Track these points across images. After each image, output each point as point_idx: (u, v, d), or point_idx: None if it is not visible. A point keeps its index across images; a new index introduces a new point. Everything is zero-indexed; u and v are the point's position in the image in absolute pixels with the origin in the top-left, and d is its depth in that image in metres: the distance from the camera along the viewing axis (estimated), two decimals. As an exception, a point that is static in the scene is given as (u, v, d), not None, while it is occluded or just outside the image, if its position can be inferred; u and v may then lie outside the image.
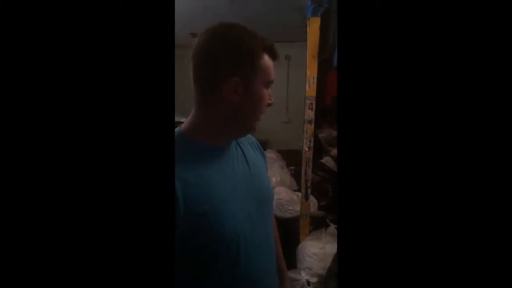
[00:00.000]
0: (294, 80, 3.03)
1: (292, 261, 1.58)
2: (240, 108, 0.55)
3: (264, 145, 3.05)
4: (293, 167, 2.41)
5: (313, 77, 1.47)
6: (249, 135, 0.72)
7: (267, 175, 0.71)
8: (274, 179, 2.11)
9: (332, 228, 1.64)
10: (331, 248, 1.45)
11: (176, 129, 0.60)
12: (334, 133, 2.68)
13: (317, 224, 1.76)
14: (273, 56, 0.58)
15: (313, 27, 1.44)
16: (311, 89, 1.49)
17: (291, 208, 1.81)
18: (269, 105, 0.59)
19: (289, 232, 1.78)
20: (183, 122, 0.61)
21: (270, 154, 2.57)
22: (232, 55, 0.53)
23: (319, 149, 2.54)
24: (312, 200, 1.81)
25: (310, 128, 1.53)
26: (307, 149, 1.54)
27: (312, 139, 1.54)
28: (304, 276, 1.34)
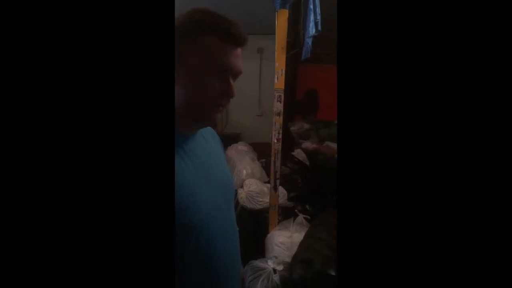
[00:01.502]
0: (267, 73, 3.04)
1: (261, 251, 1.61)
2: (183, 97, 0.53)
3: (237, 138, 3.05)
4: (264, 160, 2.44)
5: (282, 69, 1.49)
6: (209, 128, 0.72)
7: (226, 165, 0.71)
8: (244, 172, 2.13)
9: (301, 218, 1.69)
10: (298, 237, 1.49)
11: None
12: (306, 126, 2.74)
13: (287, 215, 1.80)
14: (228, 38, 0.51)
15: (282, 19, 1.45)
16: (279, 82, 1.50)
17: (261, 199, 1.83)
18: (226, 96, 0.54)
19: (259, 223, 1.81)
20: None
21: (241, 146, 2.58)
22: (178, 39, 0.51)
23: (290, 142, 2.58)
24: (282, 191, 1.85)
25: (278, 120, 1.54)
26: (276, 141, 1.56)
27: (281, 131, 1.56)
28: (270, 264, 1.37)
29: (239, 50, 0.54)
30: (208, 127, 0.71)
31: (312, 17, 1.46)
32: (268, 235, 1.62)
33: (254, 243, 1.69)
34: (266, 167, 2.42)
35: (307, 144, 2.38)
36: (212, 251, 0.56)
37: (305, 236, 1.44)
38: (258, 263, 1.40)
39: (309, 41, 1.54)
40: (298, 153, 2.32)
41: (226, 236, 0.60)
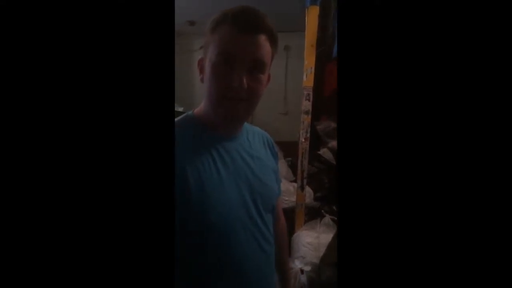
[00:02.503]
0: (293, 71, 3.00)
1: (288, 250, 1.60)
2: (205, 91, 0.54)
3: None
4: (290, 158, 2.42)
5: (311, 67, 1.46)
6: (262, 131, 0.71)
7: (273, 174, 0.66)
8: (271, 170, 2.12)
9: (327, 218, 1.66)
10: (326, 238, 1.46)
11: (190, 112, 0.60)
12: (333, 124, 2.68)
13: (313, 215, 1.77)
14: (237, 26, 0.49)
15: (312, 15, 1.43)
16: (308, 80, 1.48)
17: (287, 198, 1.82)
18: (234, 87, 0.50)
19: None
20: (180, 112, 0.61)
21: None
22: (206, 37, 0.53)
23: (316, 141, 2.54)
24: (308, 191, 1.83)
25: (307, 119, 1.52)
26: (303, 140, 1.54)
27: (309, 130, 1.54)
28: (298, 264, 1.36)
29: (253, 36, 0.50)
30: (262, 133, 0.70)
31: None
32: (295, 235, 1.61)
33: (279, 242, 1.68)
34: (291, 166, 2.40)
35: (334, 144, 2.33)
36: (236, 255, 0.54)
37: (333, 238, 1.41)
38: (285, 262, 1.40)
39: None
40: (325, 152, 2.27)
41: (253, 243, 0.56)
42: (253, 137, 0.66)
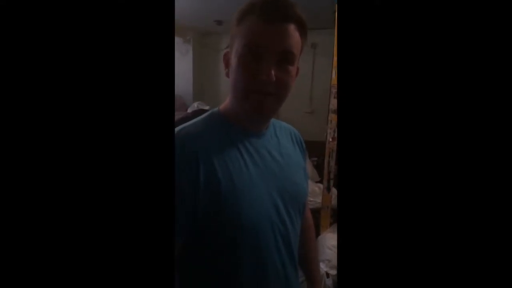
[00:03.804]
0: (320, 69, 2.94)
1: (317, 251, 1.57)
2: (231, 81, 0.52)
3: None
4: (316, 158, 2.38)
5: (340, 65, 1.42)
6: (291, 127, 0.69)
7: (302, 172, 0.64)
8: (296, 170, 2.09)
9: (354, 221, 1.61)
10: (353, 241, 1.42)
11: (215, 109, 0.59)
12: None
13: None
14: (264, 16, 0.47)
15: (342, 12, 1.38)
16: (337, 77, 1.43)
17: (312, 199, 1.79)
18: (261, 80, 0.47)
19: (310, 223, 1.76)
20: (206, 110, 0.61)
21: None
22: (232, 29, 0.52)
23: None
24: (335, 192, 1.78)
25: (334, 118, 1.48)
26: (331, 140, 1.50)
27: (337, 130, 1.49)
28: (323, 268, 1.32)
29: (282, 26, 0.48)
30: (291, 129, 0.68)
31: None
32: (320, 237, 1.57)
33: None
34: (317, 166, 2.35)
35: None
36: (265, 255, 0.53)
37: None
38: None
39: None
40: (352, 153, 2.21)
41: (281, 240, 0.54)
42: (281, 133, 0.63)
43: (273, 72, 0.48)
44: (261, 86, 0.48)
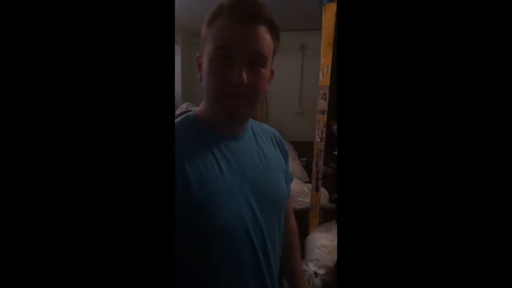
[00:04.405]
0: (309, 70, 2.97)
1: (300, 252, 1.58)
2: (204, 87, 0.52)
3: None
4: (305, 159, 2.39)
5: (328, 66, 1.43)
6: (271, 128, 0.68)
7: (282, 174, 0.64)
8: (285, 170, 2.10)
9: (343, 221, 1.62)
10: (341, 240, 1.43)
11: (191, 112, 0.58)
12: (349, 125, 2.63)
13: (328, 216, 1.74)
14: (233, 17, 0.46)
15: (329, 13, 1.39)
16: (324, 79, 1.45)
17: (301, 199, 1.80)
18: (232, 82, 0.47)
19: (299, 224, 1.77)
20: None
21: (287, 147, 2.56)
22: (204, 30, 0.51)
23: (332, 141, 2.50)
24: (323, 192, 1.79)
25: (322, 118, 1.49)
26: (319, 140, 1.51)
27: (325, 130, 1.51)
28: (311, 267, 1.33)
29: (252, 27, 0.47)
30: (271, 131, 0.68)
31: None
32: (309, 237, 1.59)
33: (293, 243, 1.66)
34: (306, 166, 2.37)
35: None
36: (242, 259, 0.52)
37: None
38: (298, 264, 1.38)
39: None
40: (341, 153, 2.23)
41: (257, 243, 0.54)
42: (260, 135, 0.63)
43: (244, 75, 0.47)
44: (233, 89, 0.48)
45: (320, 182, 1.57)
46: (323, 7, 1.41)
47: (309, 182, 1.97)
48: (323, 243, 1.48)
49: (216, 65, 0.48)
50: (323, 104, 1.48)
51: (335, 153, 2.25)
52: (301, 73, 3.05)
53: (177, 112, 2.64)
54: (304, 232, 1.66)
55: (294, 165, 2.20)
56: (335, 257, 1.34)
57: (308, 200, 1.70)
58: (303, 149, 2.43)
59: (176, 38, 3.09)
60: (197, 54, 0.55)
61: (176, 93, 3.15)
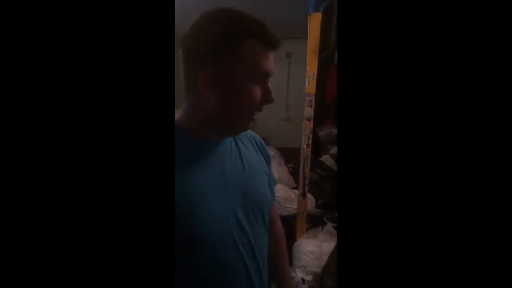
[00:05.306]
0: (295, 77, 3.01)
1: (288, 258, 1.57)
2: (220, 103, 0.50)
3: (264, 142, 3.03)
4: (292, 165, 2.40)
5: (313, 73, 1.45)
6: (252, 132, 0.69)
7: (265, 177, 0.64)
8: (272, 176, 2.10)
9: (329, 226, 1.63)
10: (328, 246, 1.43)
11: None
12: (334, 131, 2.67)
13: (314, 222, 1.75)
14: (267, 43, 0.49)
15: (314, 22, 1.42)
16: (310, 86, 1.47)
17: (288, 205, 1.80)
18: (265, 102, 0.52)
19: (286, 230, 1.77)
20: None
21: (268, 151, 2.56)
22: (210, 41, 0.48)
23: (318, 147, 2.53)
24: (310, 198, 1.80)
25: (309, 125, 1.51)
26: (305, 147, 1.53)
27: (311, 137, 1.52)
28: (299, 274, 1.33)
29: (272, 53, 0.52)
30: (251, 134, 0.67)
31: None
32: (296, 243, 1.58)
33: (280, 250, 1.65)
34: (293, 172, 2.38)
35: (336, 150, 2.31)
36: (227, 267, 0.52)
37: (335, 247, 1.38)
38: (286, 271, 1.37)
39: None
40: (326, 159, 2.25)
41: (244, 251, 0.53)
42: (242, 139, 0.63)
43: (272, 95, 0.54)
44: (261, 108, 0.53)
45: (306, 188, 1.57)
46: (308, 16, 1.44)
47: (296, 188, 1.97)
48: (310, 249, 1.48)
49: (252, 88, 0.51)
50: (309, 111, 1.49)
51: (321, 159, 2.27)
52: (288, 80, 3.09)
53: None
54: (291, 239, 1.66)
55: (281, 171, 2.21)
56: (322, 263, 1.35)
57: (295, 206, 1.71)
58: (290, 155, 2.44)
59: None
60: (209, 68, 0.49)
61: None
